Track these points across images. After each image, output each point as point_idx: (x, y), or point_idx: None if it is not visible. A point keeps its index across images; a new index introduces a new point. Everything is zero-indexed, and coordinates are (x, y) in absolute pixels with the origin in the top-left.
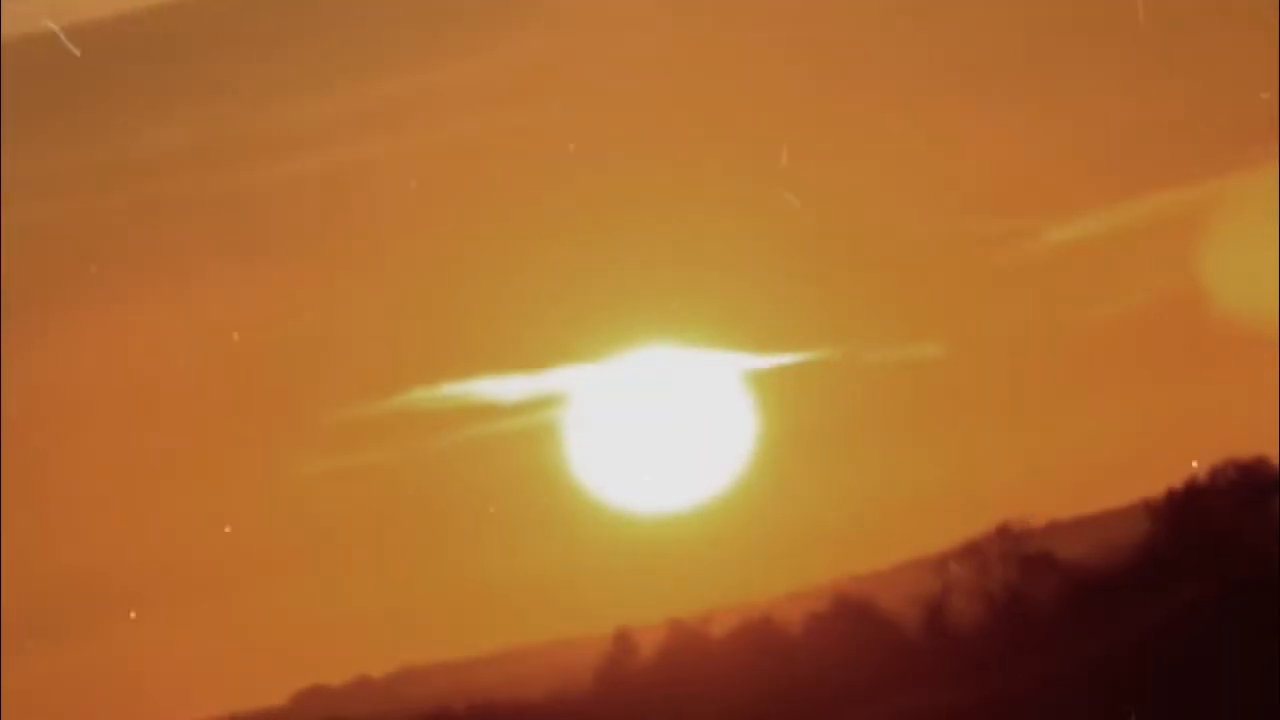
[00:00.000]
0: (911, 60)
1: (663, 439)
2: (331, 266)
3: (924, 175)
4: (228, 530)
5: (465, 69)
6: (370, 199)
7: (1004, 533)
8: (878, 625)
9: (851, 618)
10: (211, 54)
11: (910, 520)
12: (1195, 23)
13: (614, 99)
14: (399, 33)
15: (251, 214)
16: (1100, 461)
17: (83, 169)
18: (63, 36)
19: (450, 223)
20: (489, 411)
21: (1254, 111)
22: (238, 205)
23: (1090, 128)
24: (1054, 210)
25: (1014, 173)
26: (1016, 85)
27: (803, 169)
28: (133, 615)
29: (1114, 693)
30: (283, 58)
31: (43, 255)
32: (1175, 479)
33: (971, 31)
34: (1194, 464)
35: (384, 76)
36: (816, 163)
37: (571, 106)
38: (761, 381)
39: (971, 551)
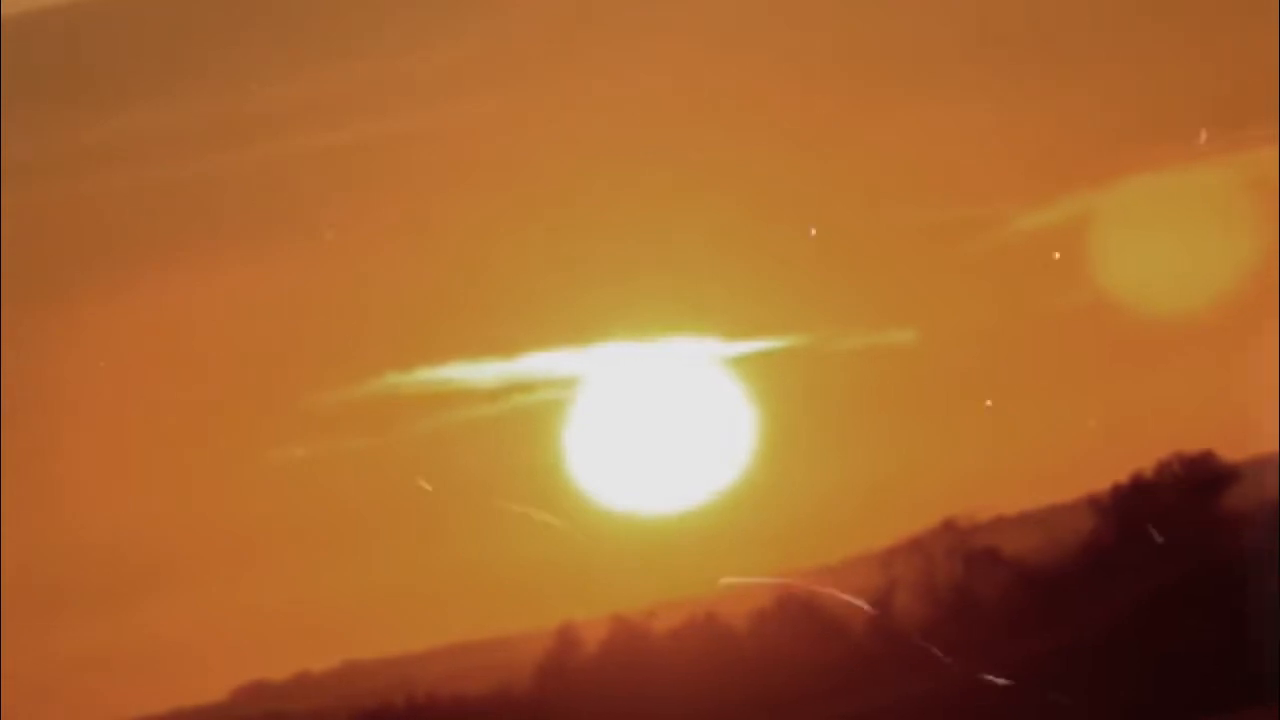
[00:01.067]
0: (879, 49)
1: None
2: (305, 251)
3: (893, 163)
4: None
5: (440, 55)
6: (343, 185)
7: (950, 528)
8: (822, 621)
9: (796, 614)
10: (181, 39)
11: (858, 515)
12: (1162, 12)
13: (589, 87)
14: (372, 16)
15: (223, 201)
16: (1049, 455)
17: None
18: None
19: (423, 208)
20: (462, 397)
21: (1221, 100)
22: (209, 192)
23: (1058, 116)
24: (1023, 198)
25: (983, 161)
26: (985, 74)
27: (773, 158)
28: (72, 611)
29: (1060, 689)
30: (251, 41)
31: (28, 241)
32: (1124, 473)
33: (939, 21)
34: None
35: (354, 61)
36: (785, 152)
37: (546, 93)
38: (732, 368)
39: (917, 547)
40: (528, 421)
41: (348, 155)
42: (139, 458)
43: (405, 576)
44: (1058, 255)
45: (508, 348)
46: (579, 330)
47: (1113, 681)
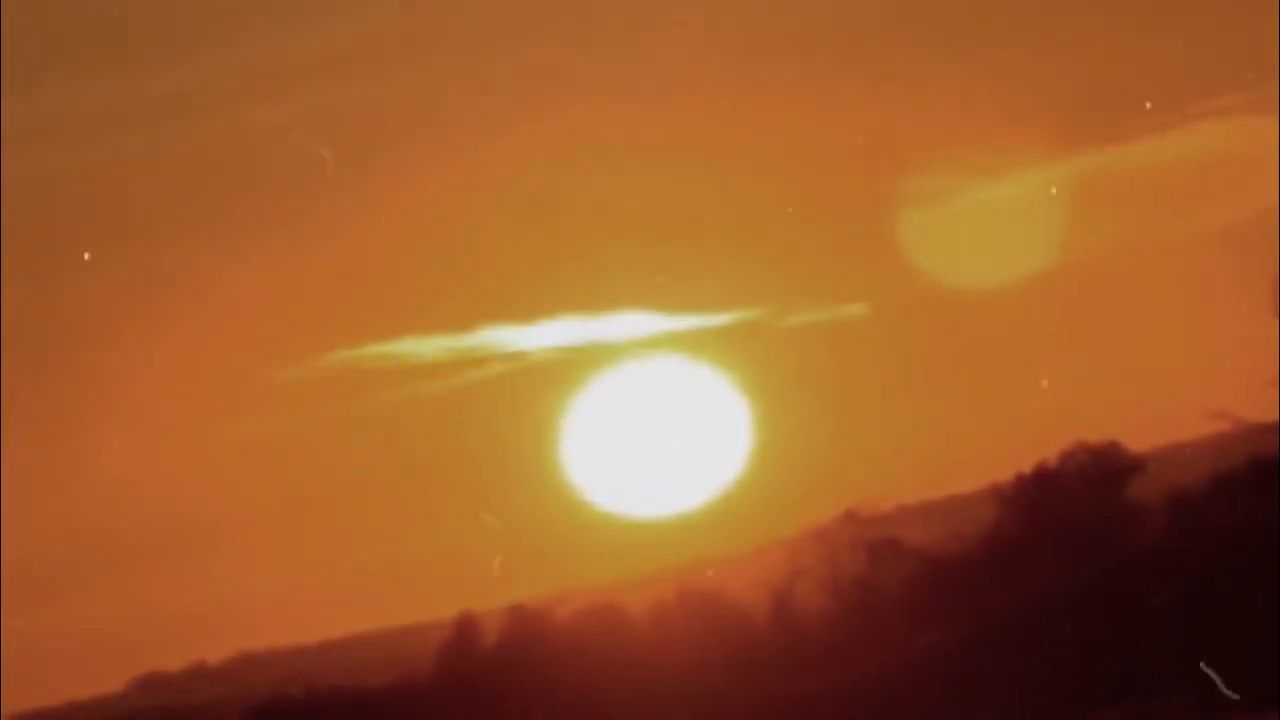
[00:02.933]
0: (838, 21)
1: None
2: (256, 227)
3: (849, 136)
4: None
5: (378, 27)
6: (292, 161)
7: (852, 518)
8: (724, 612)
9: (697, 604)
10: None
11: (767, 503)
12: None
13: (546, 62)
14: None
15: (175, 182)
16: (953, 443)
17: None
18: None
19: (371, 185)
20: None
21: (1181, 76)
22: (158, 172)
23: (1015, 89)
24: (980, 171)
25: (940, 134)
26: (942, 48)
27: (726, 135)
28: None
29: (963, 678)
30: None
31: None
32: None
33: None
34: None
35: (296, 36)
36: (742, 126)
37: (498, 67)
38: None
39: (819, 537)
40: (477, 399)
41: (292, 133)
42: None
43: (306, 569)
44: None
45: (458, 323)
46: (529, 305)
47: (1015, 671)
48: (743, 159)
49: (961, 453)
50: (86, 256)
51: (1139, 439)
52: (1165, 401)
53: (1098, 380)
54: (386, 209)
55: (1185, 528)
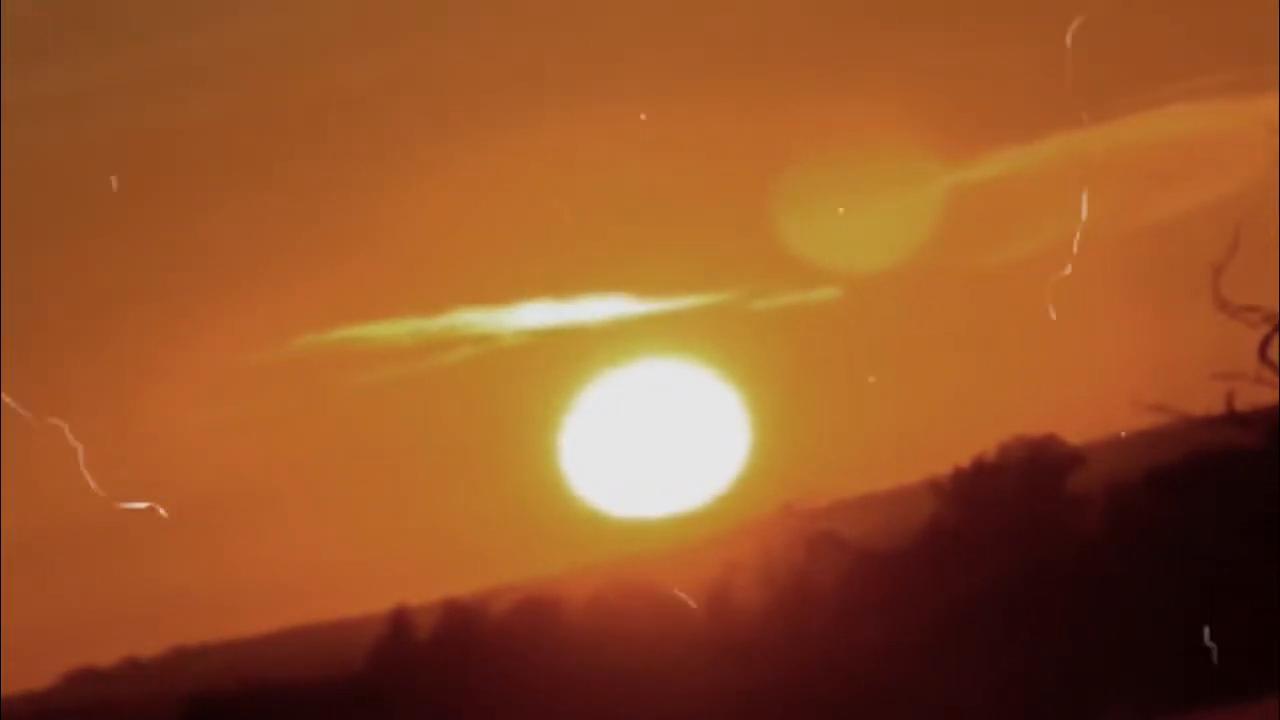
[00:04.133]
0: (807, 2)
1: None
2: (220, 210)
3: (821, 118)
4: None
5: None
6: (253, 143)
7: (789, 511)
8: (660, 605)
9: (633, 598)
10: None
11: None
12: None
13: (500, 43)
14: None
15: (137, 159)
16: (891, 436)
17: None
18: None
19: (340, 167)
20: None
21: (1153, 56)
22: (125, 151)
23: (987, 71)
24: (953, 154)
25: (914, 115)
26: (917, 29)
27: (696, 115)
28: None
29: (901, 671)
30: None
31: None
32: (965, 456)
33: None
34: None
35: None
36: (708, 109)
37: (455, 50)
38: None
39: (756, 531)
40: (446, 383)
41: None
42: None
43: (240, 563)
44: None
45: (426, 307)
46: (500, 288)
47: (953, 664)
48: (712, 143)
49: (900, 445)
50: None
51: (1078, 432)
52: (1105, 395)
53: (1036, 372)
54: (358, 192)
55: (1124, 521)
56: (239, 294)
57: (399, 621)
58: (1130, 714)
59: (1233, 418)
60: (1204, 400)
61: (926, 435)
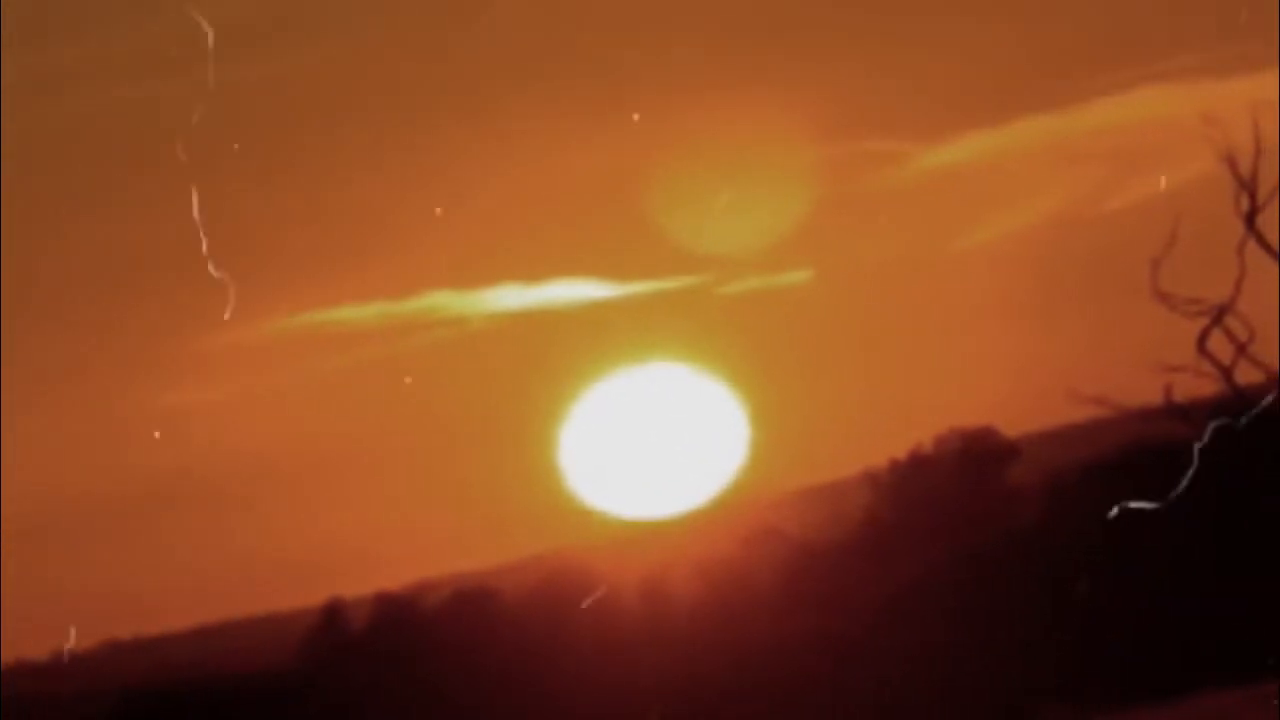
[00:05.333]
0: None
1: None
2: (189, 186)
3: (791, 98)
4: None
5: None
6: (222, 121)
7: (726, 505)
8: (597, 598)
9: (568, 590)
10: None
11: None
12: None
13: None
14: None
15: (99, 138)
16: (828, 428)
17: None
18: None
19: (303, 146)
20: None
21: (1125, 37)
22: (100, 131)
23: (960, 52)
24: (926, 134)
25: (885, 96)
26: (882, 13)
27: (666, 94)
28: None
29: (838, 663)
30: None
31: None
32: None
33: None
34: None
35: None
36: (678, 88)
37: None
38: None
39: (692, 522)
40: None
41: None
42: None
43: (172, 555)
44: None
45: (396, 289)
46: (470, 271)
47: (889, 657)
48: (681, 124)
49: (837, 437)
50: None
51: (1015, 424)
52: (1043, 386)
53: (974, 363)
54: (330, 175)
55: (1061, 514)
56: (207, 276)
57: (332, 614)
58: (1066, 709)
59: (1171, 410)
60: (1143, 392)
61: (865, 427)
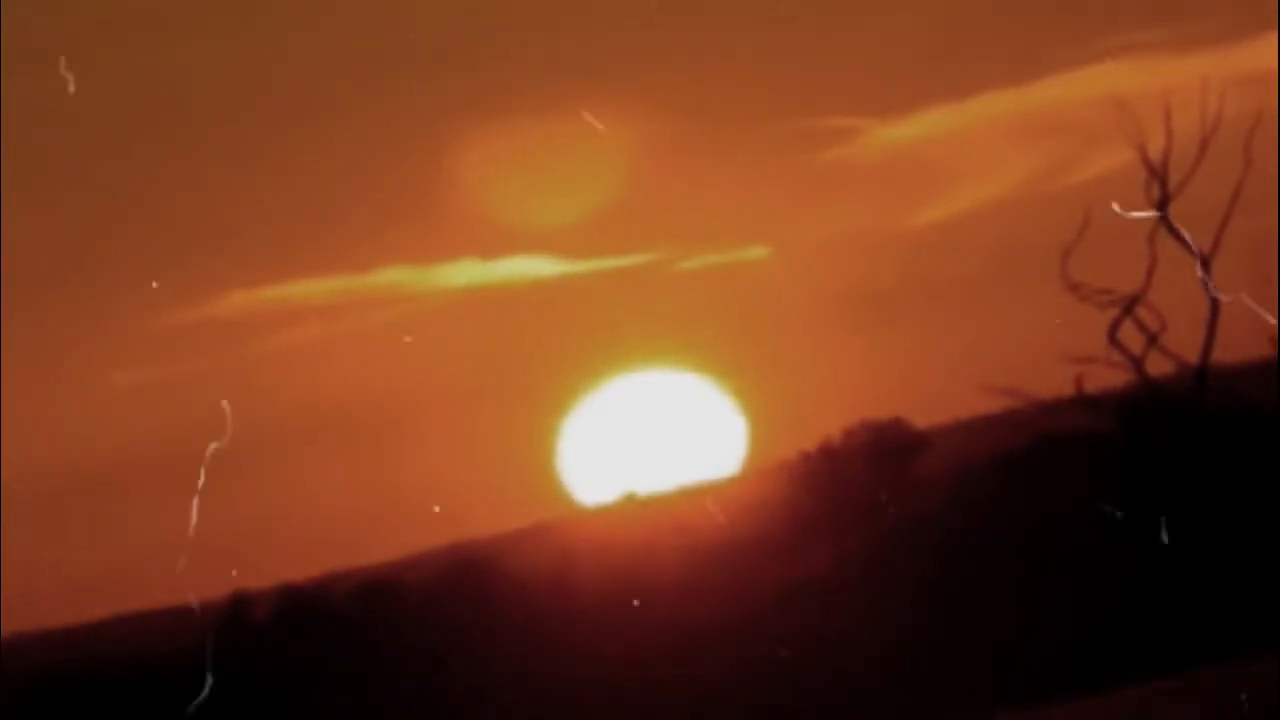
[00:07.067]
0: None
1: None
2: (142, 163)
3: (748, 73)
4: None
5: None
6: (173, 99)
7: (632, 499)
8: (499, 590)
9: (474, 582)
10: None
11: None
12: None
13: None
14: None
15: (59, 121)
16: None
17: None
18: None
19: (265, 126)
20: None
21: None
22: (48, 115)
23: (919, 26)
24: (884, 110)
25: (842, 71)
26: None
27: (620, 67)
28: None
29: (747, 658)
30: None
31: None
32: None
33: None
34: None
35: None
36: (633, 61)
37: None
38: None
39: (600, 516)
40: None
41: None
42: None
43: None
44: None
45: (352, 264)
46: (426, 247)
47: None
48: (640, 101)
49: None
50: None
51: (925, 416)
52: (953, 378)
53: (885, 355)
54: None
55: (968, 506)
56: (159, 253)
57: (238, 606)
58: (973, 706)
59: (1081, 401)
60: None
61: (777, 418)
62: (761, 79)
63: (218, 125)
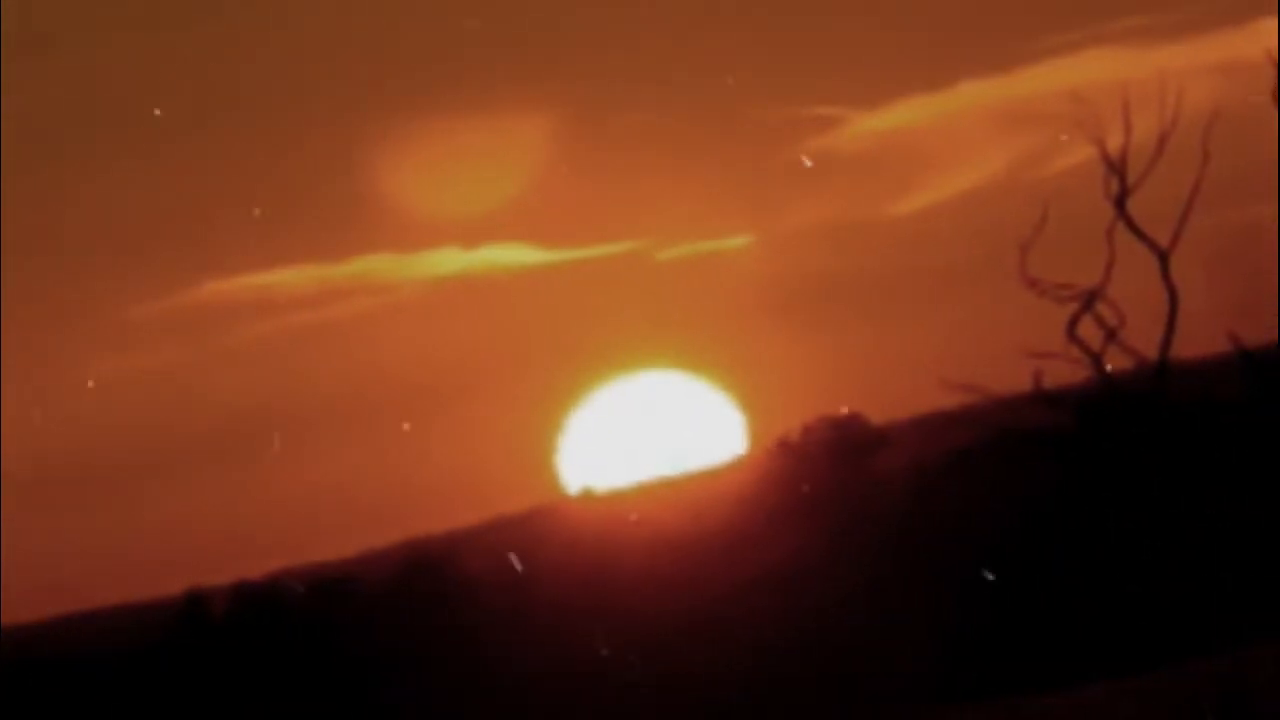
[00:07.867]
0: None
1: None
2: (120, 150)
3: (730, 63)
4: None
5: None
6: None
7: (589, 495)
8: (456, 586)
9: (429, 577)
10: None
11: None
12: None
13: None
14: None
15: (34, 101)
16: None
17: None
18: None
19: (239, 112)
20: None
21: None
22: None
23: (900, 13)
24: (864, 99)
25: (822, 61)
26: None
27: (600, 56)
28: None
29: (701, 653)
30: None
31: None
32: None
33: None
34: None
35: None
36: (613, 50)
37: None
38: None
39: (553, 511)
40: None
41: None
42: None
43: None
44: None
45: (331, 253)
46: (405, 236)
47: (750, 645)
48: (621, 89)
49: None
50: None
51: (883, 412)
52: (913, 374)
53: (848, 349)
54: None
55: (926, 502)
56: (136, 241)
57: (194, 603)
58: (933, 701)
59: (1040, 397)
60: (1013, 379)
61: (744, 412)
62: (741, 69)
63: (194, 114)
